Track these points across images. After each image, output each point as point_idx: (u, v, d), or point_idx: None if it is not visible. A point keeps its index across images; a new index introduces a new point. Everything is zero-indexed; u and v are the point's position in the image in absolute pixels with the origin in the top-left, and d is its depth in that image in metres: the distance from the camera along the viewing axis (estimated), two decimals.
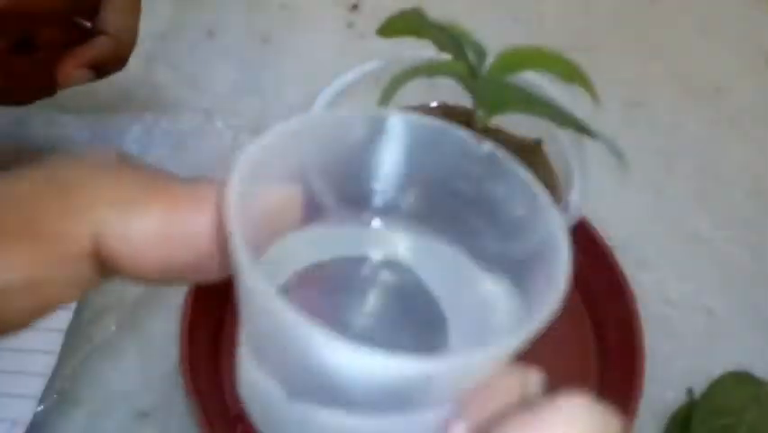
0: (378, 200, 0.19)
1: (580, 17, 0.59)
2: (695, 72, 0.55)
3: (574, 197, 0.28)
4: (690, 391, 0.38)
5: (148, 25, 0.40)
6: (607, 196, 0.43)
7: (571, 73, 0.26)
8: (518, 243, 0.18)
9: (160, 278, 0.17)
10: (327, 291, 0.19)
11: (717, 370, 0.38)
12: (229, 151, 0.48)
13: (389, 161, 0.18)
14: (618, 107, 0.51)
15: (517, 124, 0.33)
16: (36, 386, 0.37)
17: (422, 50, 0.30)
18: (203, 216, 0.17)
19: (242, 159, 0.17)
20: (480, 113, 0.29)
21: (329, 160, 0.18)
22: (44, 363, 0.38)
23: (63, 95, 0.52)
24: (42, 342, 0.39)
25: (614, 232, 0.42)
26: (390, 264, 0.19)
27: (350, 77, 0.33)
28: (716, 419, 0.36)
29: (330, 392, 0.16)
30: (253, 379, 0.17)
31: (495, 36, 0.28)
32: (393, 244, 0.19)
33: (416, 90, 0.33)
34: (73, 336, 0.39)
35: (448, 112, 0.34)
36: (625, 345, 0.37)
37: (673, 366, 0.39)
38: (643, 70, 0.55)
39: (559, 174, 0.32)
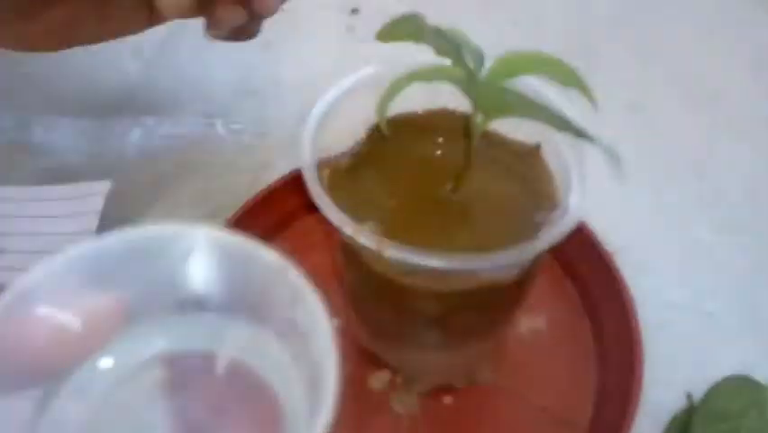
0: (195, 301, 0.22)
1: (580, 21, 0.59)
2: (694, 76, 0.55)
3: (573, 201, 0.29)
4: (689, 396, 0.38)
5: (148, 30, 0.40)
6: (605, 200, 0.42)
7: (569, 78, 0.26)
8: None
9: None
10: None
11: (717, 374, 0.38)
12: (230, 153, 0.49)
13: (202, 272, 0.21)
14: (617, 111, 0.51)
15: (516, 128, 0.34)
16: None
17: (421, 54, 0.30)
18: None
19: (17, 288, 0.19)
20: (478, 118, 0.29)
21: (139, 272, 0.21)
22: None
23: (63, 99, 0.53)
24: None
25: (613, 236, 0.42)
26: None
27: (347, 83, 0.33)
28: (715, 424, 0.36)
29: None
30: None
31: (494, 40, 0.28)
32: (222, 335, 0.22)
33: (417, 94, 0.33)
34: None
35: (448, 117, 0.34)
36: (624, 349, 0.37)
37: (673, 370, 0.39)
38: (642, 74, 0.55)
39: (557, 178, 0.32)
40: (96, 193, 0.43)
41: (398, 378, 0.38)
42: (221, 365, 0.22)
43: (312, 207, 0.45)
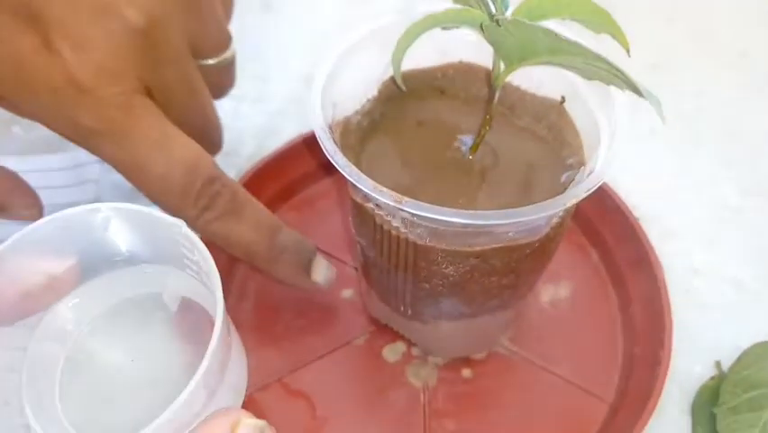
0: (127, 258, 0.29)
1: None
2: (719, 35, 0.52)
3: (602, 155, 0.26)
4: (718, 364, 0.36)
5: None
6: (630, 165, 0.41)
7: (601, 20, 0.24)
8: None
9: None
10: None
11: (746, 342, 0.36)
12: (230, 120, 0.47)
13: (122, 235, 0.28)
14: (641, 71, 0.48)
15: (538, 85, 0.31)
16: None
17: (436, 3, 0.28)
18: None
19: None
20: (500, 66, 0.27)
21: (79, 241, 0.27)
22: None
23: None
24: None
25: (637, 201, 0.40)
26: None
27: (357, 36, 0.31)
28: (744, 392, 0.34)
29: None
30: None
31: None
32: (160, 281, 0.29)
33: (429, 53, 0.31)
34: None
35: (465, 70, 0.32)
36: (651, 318, 0.35)
37: (701, 339, 0.37)
38: (666, 32, 0.52)
39: (583, 134, 0.30)
40: (93, 161, 0.41)
41: (414, 350, 0.36)
42: (171, 303, 0.29)
43: (319, 175, 0.44)
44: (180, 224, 0.26)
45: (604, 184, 0.39)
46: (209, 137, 0.34)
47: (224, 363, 0.25)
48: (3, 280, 0.25)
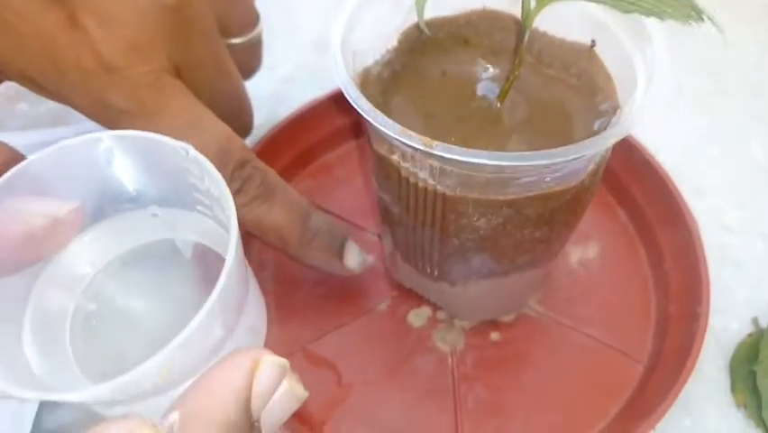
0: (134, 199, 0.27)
1: None
2: None
3: (638, 97, 0.25)
4: (755, 321, 0.35)
5: None
6: (659, 121, 0.39)
7: None
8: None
9: None
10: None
11: None
12: None
13: (127, 169, 0.26)
14: (665, 29, 0.47)
15: (566, 29, 0.30)
16: None
17: None
18: None
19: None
20: (530, 4, 0.25)
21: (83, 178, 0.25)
22: None
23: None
24: None
25: (666, 158, 0.39)
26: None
27: None
28: None
29: None
30: None
31: None
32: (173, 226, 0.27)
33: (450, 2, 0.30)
34: None
35: (490, 17, 0.30)
36: (686, 274, 0.34)
37: (736, 296, 0.36)
38: None
39: (616, 79, 0.28)
40: (94, 132, 0.40)
41: (440, 314, 0.35)
42: (185, 249, 0.27)
43: (334, 141, 0.43)
44: (187, 147, 0.24)
45: (632, 140, 0.38)
46: (240, 119, 0.33)
47: (242, 299, 0.23)
48: (2, 219, 0.22)
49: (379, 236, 0.37)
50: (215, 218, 0.26)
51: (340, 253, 0.31)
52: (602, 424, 0.32)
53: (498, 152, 0.22)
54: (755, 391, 0.33)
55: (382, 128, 0.23)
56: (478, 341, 0.34)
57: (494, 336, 0.34)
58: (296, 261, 0.32)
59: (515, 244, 0.28)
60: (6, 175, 0.23)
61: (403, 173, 0.26)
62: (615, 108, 0.28)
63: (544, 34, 0.30)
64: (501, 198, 0.25)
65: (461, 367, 0.33)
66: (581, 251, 0.37)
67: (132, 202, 0.27)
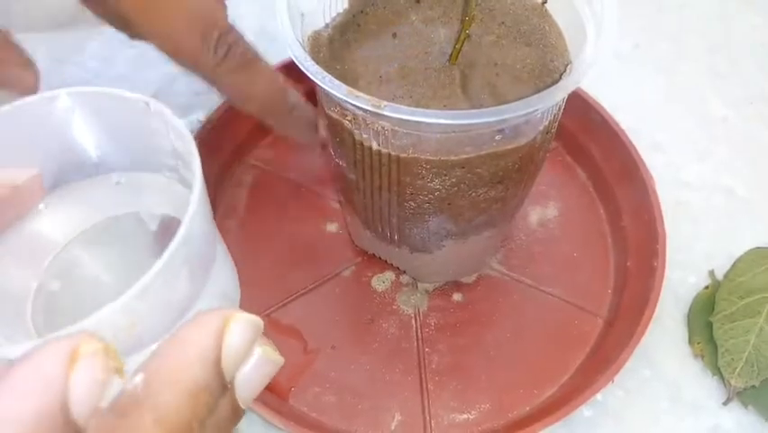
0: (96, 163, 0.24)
1: None
2: None
3: (588, 50, 0.25)
4: (712, 273, 0.36)
5: None
6: (616, 80, 0.40)
7: None
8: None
9: None
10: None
11: (739, 251, 0.36)
12: None
13: (88, 131, 0.24)
14: None
15: None
16: None
17: None
18: None
19: None
20: None
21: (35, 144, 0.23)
22: None
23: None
24: None
25: (625, 116, 0.39)
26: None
27: None
28: (740, 298, 0.34)
29: None
30: None
31: None
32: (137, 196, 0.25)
33: None
34: None
35: None
36: (643, 229, 0.34)
37: (694, 250, 0.37)
38: None
39: (568, 35, 0.28)
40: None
41: (403, 277, 0.35)
42: (151, 222, 0.25)
43: None
44: (148, 99, 0.22)
45: (590, 99, 0.38)
46: None
47: (208, 257, 0.22)
48: None
49: (341, 203, 0.37)
50: (182, 180, 0.24)
51: (315, 124, 0.32)
52: (564, 378, 0.32)
53: (446, 110, 0.22)
54: (712, 342, 0.33)
55: (330, 90, 0.23)
56: (441, 303, 0.34)
57: (456, 297, 0.34)
58: (273, 130, 0.32)
59: (471, 204, 0.28)
60: None
61: (356, 137, 0.26)
62: (566, 65, 0.28)
63: None
64: (453, 158, 0.25)
65: (424, 329, 0.34)
66: (541, 210, 0.37)
67: (94, 168, 0.25)
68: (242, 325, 0.16)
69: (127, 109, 0.22)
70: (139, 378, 0.14)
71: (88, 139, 0.24)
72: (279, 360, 0.17)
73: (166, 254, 0.18)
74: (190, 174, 0.22)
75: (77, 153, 0.24)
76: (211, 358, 0.15)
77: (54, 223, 0.25)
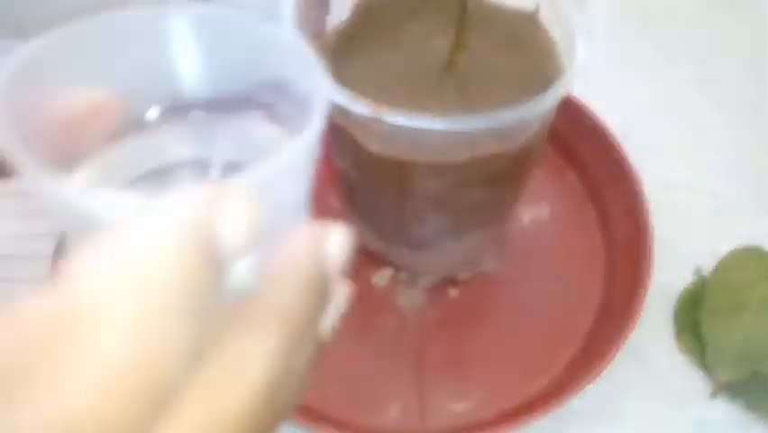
0: (182, 97, 0.20)
1: None
2: None
3: (578, 56, 0.26)
4: (697, 271, 0.37)
5: None
6: (604, 85, 0.41)
7: None
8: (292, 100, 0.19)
9: None
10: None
11: (723, 250, 0.37)
12: None
13: (183, 57, 0.20)
14: None
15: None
16: None
17: None
18: None
19: (15, 60, 0.16)
20: None
21: (125, 63, 0.19)
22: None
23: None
24: (29, 270, 0.37)
25: (612, 120, 0.41)
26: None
27: None
28: (726, 295, 0.35)
29: None
30: None
31: None
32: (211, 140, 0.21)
33: None
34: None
35: None
36: (631, 230, 0.36)
37: (680, 250, 0.38)
38: None
39: (559, 44, 0.30)
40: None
41: (401, 274, 0.36)
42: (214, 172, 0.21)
43: None
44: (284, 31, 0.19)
45: (580, 104, 0.39)
46: None
47: (305, 197, 0.19)
48: (36, 90, 0.16)
49: (342, 202, 0.38)
50: (275, 117, 0.21)
51: None
52: (556, 371, 0.34)
53: (443, 116, 0.24)
54: (699, 337, 0.35)
55: (332, 95, 0.24)
56: (438, 298, 0.36)
57: (453, 293, 0.36)
58: None
59: (467, 204, 0.30)
60: (39, 45, 0.17)
61: (356, 141, 0.28)
62: (557, 71, 0.29)
63: (489, 3, 0.31)
64: (451, 161, 0.27)
65: (422, 323, 0.35)
66: (534, 210, 0.39)
67: (177, 98, 0.21)
68: (341, 234, 0.16)
69: (238, 32, 0.19)
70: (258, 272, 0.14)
71: (187, 70, 0.20)
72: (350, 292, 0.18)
73: (299, 140, 0.16)
74: (290, 108, 0.19)
75: (166, 84, 0.20)
76: (320, 258, 0.16)
77: (122, 162, 0.21)
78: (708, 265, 0.37)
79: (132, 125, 0.20)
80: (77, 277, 0.12)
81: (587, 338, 0.34)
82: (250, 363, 0.13)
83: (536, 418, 0.30)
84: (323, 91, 0.17)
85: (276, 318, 0.14)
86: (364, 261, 0.37)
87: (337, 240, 0.16)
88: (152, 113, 0.20)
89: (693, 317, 0.35)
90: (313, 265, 0.15)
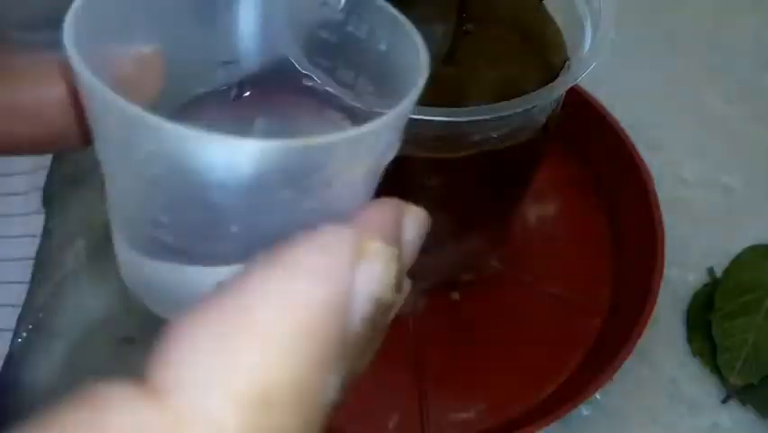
0: (242, 62, 0.18)
1: None
2: None
3: (586, 48, 0.25)
4: (710, 270, 0.36)
5: None
6: (614, 78, 0.39)
7: None
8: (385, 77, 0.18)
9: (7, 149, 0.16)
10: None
11: (738, 248, 0.36)
12: None
13: (247, 19, 0.18)
14: None
15: None
16: (9, 319, 0.34)
17: None
18: (48, 87, 0.15)
19: (76, 14, 0.14)
20: None
21: (180, 17, 0.17)
22: (15, 294, 0.35)
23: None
24: (11, 273, 0.36)
25: (623, 114, 0.39)
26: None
27: None
28: (739, 295, 0.34)
29: (205, 231, 0.14)
30: (127, 257, 0.16)
31: None
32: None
33: None
34: (43, 264, 0.36)
35: None
36: (641, 227, 0.34)
37: (692, 248, 0.37)
38: None
39: (565, 32, 0.28)
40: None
41: None
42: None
43: None
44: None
45: (588, 97, 0.38)
46: None
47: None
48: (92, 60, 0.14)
49: None
50: (335, 81, 0.19)
51: None
52: (563, 377, 0.32)
53: (443, 108, 0.22)
54: (710, 340, 0.33)
55: (326, 87, 0.23)
56: (438, 302, 0.34)
57: (454, 295, 0.34)
58: None
59: (469, 202, 0.28)
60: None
61: None
62: (564, 61, 0.28)
63: None
64: (452, 156, 0.25)
65: (422, 328, 0.33)
66: (540, 208, 0.37)
67: (226, 69, 0.18)
68: (416, 214, 0.16)
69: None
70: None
71: (244, 31, 0.18)
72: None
73: (399, 108, 0.15)
74: (367, 79, 0.18)
75: (213, 46, 0.18)
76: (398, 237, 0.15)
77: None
78: (720, 265, 0.35)
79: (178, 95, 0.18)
80: (177, 384, 0.10)
81: (595, 342, 0.33)
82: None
83: (543, 427, 0.28)
84: (423, 64, 0.16)
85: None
86: None
87: (415, 216, 0.16)
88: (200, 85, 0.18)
89: (705, 319, 0.34)
90: (396, 247, 0.14)
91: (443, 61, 0.28)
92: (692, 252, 0.36)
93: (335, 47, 0.19)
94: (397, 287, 0.14)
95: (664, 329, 0.34)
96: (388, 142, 0.16)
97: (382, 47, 0.18)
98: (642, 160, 0.35)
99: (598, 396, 0.32)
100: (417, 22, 0.30)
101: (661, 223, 0.33)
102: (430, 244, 0.31)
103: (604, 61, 0.25)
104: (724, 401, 0.32)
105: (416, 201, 0.28)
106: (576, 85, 0.24)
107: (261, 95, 0.19)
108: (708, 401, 0.33)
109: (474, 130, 0.24)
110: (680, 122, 0.41)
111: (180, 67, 0.17)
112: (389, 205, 0.15)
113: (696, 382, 0.33)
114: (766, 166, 0.40)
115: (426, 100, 0.26)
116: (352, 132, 0.13)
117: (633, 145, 0.36)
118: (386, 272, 0.13)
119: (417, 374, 0.32)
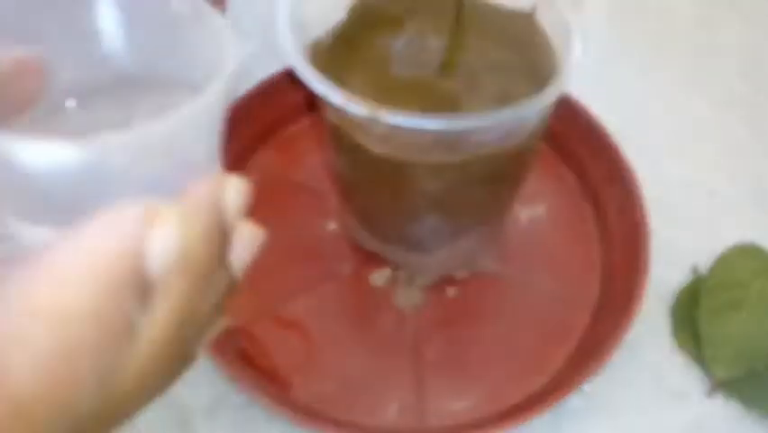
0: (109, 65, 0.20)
1: None
2: None
3: (574, 55, 0.27)
4: (694, 268, 0.37)
5: None
6: (601, 84, 0.41)
7: None
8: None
9: None
10: None
11: (721, 248, 0.37)
12: None
13: (105, 20, 0.20)
14: None
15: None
16: None
17: None
18: None
19: None
20: None
21: (50, 25, 0.19)
22: None
23: None
24: None
25: (609, 119, 0.41)
26: None
27: None
28: (723, 293, 0.35)
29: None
30: None
31: None
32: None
33: None
34: None
35: None
36: (628, 228, 0.36)
37: (677, 248, 0.38)
38: None
39: (556, 43, 0.30)
40: None
41: (400, 274, 0.36)
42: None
43: (295, 115, 0.43)
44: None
45: (577, 104, 0.39)
46: None
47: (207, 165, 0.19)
48: None
49: (340, 202, 0.39)
50: (186, 82, 0.20)
51: None
52: (553, 369, 0.34)
53: (439, 116, 0.24)
54: (696, 334, 0.35)
55: (328, 97, 0.25)
56: (436, 297, 0.36)
57: (451, 292, 0.36)
58: None
59: (464, 203, 0.30)
60: None
61: (354, 141, 0.28)
62: (555, 71, 0.29)
63: (486, 3, 0.31)
64: (448, 160, 0.27)
65: (420, 323, 0.35)
66: (531, 209, 0.39)
67: (102, 68, 0.20)
68: (237, 184, 0.17)
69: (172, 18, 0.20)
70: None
71: (110, 33, 0.20)
72: (261, 233, 0.19)
73: (210, 94, 0.17)
74: (202, 74, 0.19)
75: (89, 47, 0.20)
76: (216, 209, 0.17)
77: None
78: (705, 263, 0.37)
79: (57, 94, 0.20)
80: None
81: (584, 336, 0.35)
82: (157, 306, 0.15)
83: (534, 416, 0.30)
84: (227, 53, 0.18)
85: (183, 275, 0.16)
86: (362, 260, 0.37)
87: (234, 185, 0.17)
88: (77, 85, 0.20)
89: (690, 314, 0.35)
90: (209, 212, 0.16)
91: (440, 72, 0.29)
92: (677, 250, 0.38)
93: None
94: (209, 238, 0.16)
95: (651, 324, 0.36)
96: (188, 143, 0.18)
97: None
98: (628, 162, 0.37)
99: (587, 388, 0.33)
100: (415, 35, 0.32)
101: (647, 222, 0.35)
102: (429, 244, 0.33)
103: (594, 70, 0.26)
104: (709, 394, 0.34)
105: (416, 203, 0.30)
106: (567, 92, 0.25)
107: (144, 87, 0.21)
108: (694, 394, 0.34)
109: (469, 137, 0.26)
110: (665, 126, 0.43)
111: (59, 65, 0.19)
112: (207, 181, 0.17)
113: (682, 375, 0.35)
114: (749, 168, 0.41)
115: (425, 108, 0.28)
116: (137, 132, 0.15)
117: (620, 149, 0.37)
118: (179, 228, 0.15)
119: (415, 366, 0.34)
